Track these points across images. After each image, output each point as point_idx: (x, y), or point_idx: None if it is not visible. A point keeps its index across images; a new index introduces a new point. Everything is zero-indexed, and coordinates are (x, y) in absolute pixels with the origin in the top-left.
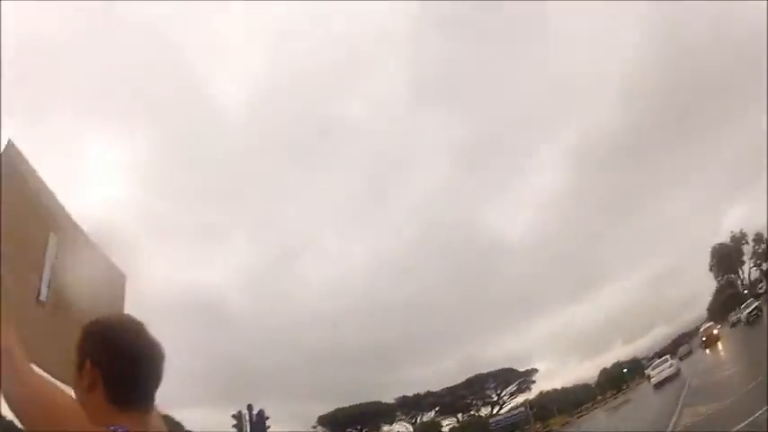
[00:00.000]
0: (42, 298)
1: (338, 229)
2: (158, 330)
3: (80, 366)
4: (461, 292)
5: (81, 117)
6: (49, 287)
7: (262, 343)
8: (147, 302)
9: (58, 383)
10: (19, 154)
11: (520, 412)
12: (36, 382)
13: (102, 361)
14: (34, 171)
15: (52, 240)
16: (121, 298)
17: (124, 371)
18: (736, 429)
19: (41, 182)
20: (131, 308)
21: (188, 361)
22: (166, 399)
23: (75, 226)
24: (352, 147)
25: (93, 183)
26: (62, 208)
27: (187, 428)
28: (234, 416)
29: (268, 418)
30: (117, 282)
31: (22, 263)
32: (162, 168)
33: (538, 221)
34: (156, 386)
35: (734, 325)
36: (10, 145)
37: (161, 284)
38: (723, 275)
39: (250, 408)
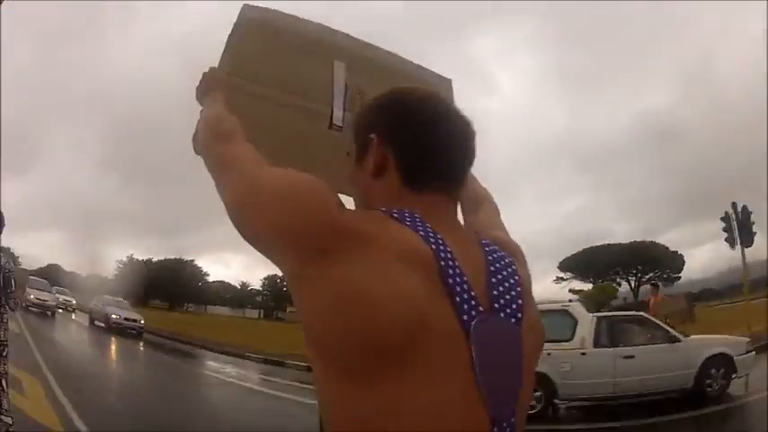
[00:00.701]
0: (337, 122)
1: None
2: None
3: (363, 145)
4: None
5: None
6: (343, 110)
7: None
8: None
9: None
10: (256, 9)
11: None
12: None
13: (398, 131)
14: (284, 15)
15: (338, 67)
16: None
17: (426, 141)
18: None
19: (298, 19)
20: None
21: None
22: None
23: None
24: None
25: None
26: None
27: None
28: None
29: None
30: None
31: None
32: None
33: None
34: (467, 164)
35: None
36: (246, 8)
37: None
38: None
39: None
